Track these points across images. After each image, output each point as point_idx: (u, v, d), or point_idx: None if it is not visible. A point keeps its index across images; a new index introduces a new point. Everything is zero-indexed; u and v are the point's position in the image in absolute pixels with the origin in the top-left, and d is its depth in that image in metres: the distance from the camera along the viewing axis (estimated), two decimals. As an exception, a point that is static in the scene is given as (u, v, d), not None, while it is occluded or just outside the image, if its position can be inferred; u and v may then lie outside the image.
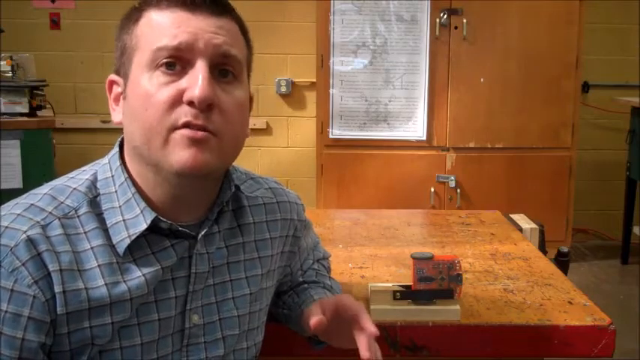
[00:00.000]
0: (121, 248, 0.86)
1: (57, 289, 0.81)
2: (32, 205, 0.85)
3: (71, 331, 0.82)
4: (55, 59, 4.15)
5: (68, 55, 4.18)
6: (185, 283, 0.91)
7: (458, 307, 1.12)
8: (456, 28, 3.58)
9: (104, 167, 0.91)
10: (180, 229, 0.89)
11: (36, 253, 0.81)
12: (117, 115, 0.91)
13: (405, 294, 1.13)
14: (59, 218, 0.85)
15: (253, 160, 4.22)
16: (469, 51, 3.61)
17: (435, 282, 1.11)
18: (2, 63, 3.27)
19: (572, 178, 3.74)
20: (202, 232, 0.92)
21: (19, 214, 0.83)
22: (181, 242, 0.90)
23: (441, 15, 3.56)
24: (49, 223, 0.84)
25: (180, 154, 0.84)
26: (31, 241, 0.81)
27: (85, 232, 0.85)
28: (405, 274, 1.33)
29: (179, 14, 0.86)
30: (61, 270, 0.81)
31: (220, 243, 0.96)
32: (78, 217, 0.86)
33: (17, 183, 3.14)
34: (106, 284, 0.84)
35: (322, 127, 3.67)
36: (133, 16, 0.89)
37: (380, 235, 1.66)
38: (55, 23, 4.16)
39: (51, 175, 3.23)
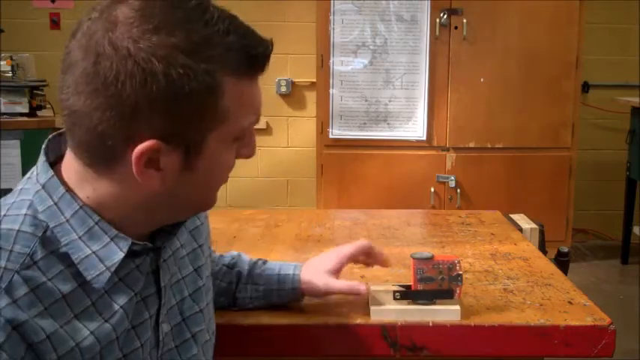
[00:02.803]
0: (99, 283, 0.77)
1: (50, 357, 0.73)
2: None
3: None
4: (55, 59, 4.09)
5: (68, 55, 4.18)
6: (155, 300, 0.86)
7: (458, 307, 1.12)
8: (456, 28, 3.58)
9: (39, 195, 0.78)
10: (148, 246, 0.83)
11: (11, 328, 0.70)
12: (155, 182, 0.77)
13: (405, 294, 1.13)
14: (17, 272, 0.72)
15: (253, 160, 4.20)
16: (469, 51, 3.61)
17: (435, 282, 1.11)
18: (2, 63, 3.28)
19: (572, 178, 3.74)
20: (166, 245, 0.87)
21: None
22: (144, 260, 0.83)
23: (441, 15, 3.56)
24: (9, 281, 0.72)
25: (216, 198, 0.87)
26: (3, 317, 0.70)
27: (49, 280, 0.74)
28: (405, 274, 1.33)
29: (255, 83, 0.81)
30: (47, 337, 0.72)
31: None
32: (35, 263, 0.74)
33: (17, 183, 3.14)
34: (91, 332, 0.77)
35: (322, 127, 3.67)
36: (203, 80, 0.73)
37: (380, 235, 1.66)
38: (55, 23, 4.17)
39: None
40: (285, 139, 4.26)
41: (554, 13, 3.59)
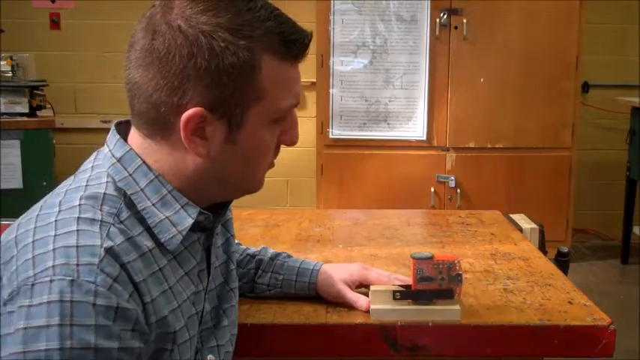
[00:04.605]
0: (172, 245, 0.86)
1: (146, 299, 0.79)
2: (79, 217, 0.79)
3: (155, 336, 0.81)
4: (55, 59, 4.15)
5: (68, 55, 4.18)
6: (205, 276, 0.94)
7: (458, 307, 1.12)
8: (456, 28, 3.58)
9: (115, 167, 0.86)
10: (211, 218, 0.91)
11: (119, 265, 0.77)
12: (201, 150, 0.85)
13: (405, 294, 1.13)
14: (112, 225, 0.80)
15: (253, 160, 4.21)
16: (469, 51, 3.61)
17: (434, 282, 1.11)
18: (2, 63, 3.28)
19: (572, 178, 3.74)
20: (218, 225, 0.96)
21: (78, 230, 0.77)
22: (201, 235, 0.92)
23: (441, 15, 3.56)
24: (109, 231, 0.79)
25: (263, 181, 0.94)
26: (111, 255, 0.77)
27: (135, 236, 0.82)
28: (405, 274, 1.33)
29: (296, 67, 0.89)
30: (144, 280, 0.80)
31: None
32: (122, 222, 0.82)
33: (17, 183, 3.14)
34: (170, 287, 0.84)
35: (322, 127, 3.67)
36: (242, 55, 0.82)
37: (380, 235, 1.66)
38: (55, 23, 4.16)
39: (51, 175, 3.23)
40: (285, 139, 4.25)
41: (554, 13, 3.59)
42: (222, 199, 0.94)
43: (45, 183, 3.12)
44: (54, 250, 0.75)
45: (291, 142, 0.93)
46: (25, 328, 0.71)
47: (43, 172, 3.18)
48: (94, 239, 0.77)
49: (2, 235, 0.83)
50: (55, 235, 0.77)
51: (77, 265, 0.74)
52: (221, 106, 0.83)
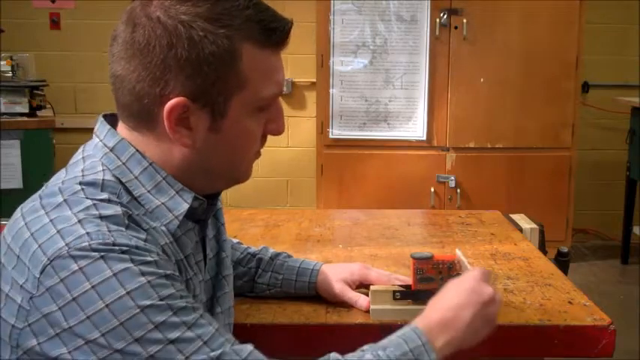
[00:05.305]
0: (170, 230, 0.87)
1: (172, 259, 0.84)
2: (87, 197, 0.80)
3: None
4: (55, 59, 4.14)
5: (68, 55, 4.18)
6: (203, 266, 0.95)
7: (458, 307, 1.12)
8: (456, 28, 3.58)
9: (108, 157, 0.87)
10: (205, 204, 0.92)
11: (143, 230, 0.81)
12: (186, 140, 0.86)
13: (405, 294, 1.13)
14: (119, 203, 0.82)
15: (253, 160, 4.21)
16: (469, 51, 3.61)
17: (435, 282, 1.11)
18: (2, 63, 3.28)
19: (572, 178, 3.74)
20: (210, 217, 0.97)
21: (94, 203, 0.79)
22: (196, 225, 0.93)
23: (441, 15, 3.56)
24: (117, 203, 0.81)
25: (250, 171, 0.95)
26: (133, 222, 0.81)
27: (138, 216, 0.83)
28: (405, 274, 1.33)
29: (277, 56, 0.89)
30: (162, 245, 0.83)
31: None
32: (124, 204, 0.83)
33: (17, 183, 3.14)
34: (176, 261, 0.86)
35: (322, 127, 3.67)
36: (222, 44, 0.82)
37: (380, 235, 1.66)
38: (55, 23, 4.16)
39: (51, 175, 3.23)
40: (285, 139, 4.25)
41: (554, 13, 3.59)
42: (211, 190, 0.94)
43: (45, 183, 3.11)
44: (79, 221, 0.77)
45: (278, 132, 0.93)
46: (94, 286, 0.73)
47: (43, 172, 3.17)
48: (113, 209, 0.80)
49: (4, 232, 0.83)
50: (73, 212, 0.78)
51: (109, 231, 0.77)
52: (203, 95, 0.83)
